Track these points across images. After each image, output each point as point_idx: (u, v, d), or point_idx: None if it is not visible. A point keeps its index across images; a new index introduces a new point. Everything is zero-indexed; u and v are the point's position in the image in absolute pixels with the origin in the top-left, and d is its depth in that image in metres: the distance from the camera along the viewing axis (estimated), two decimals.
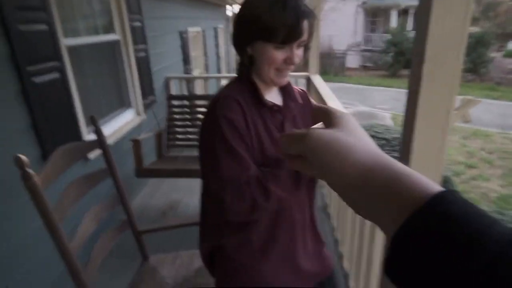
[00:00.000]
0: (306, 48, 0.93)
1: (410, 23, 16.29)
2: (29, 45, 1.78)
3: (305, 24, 0.85)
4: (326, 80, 3.60)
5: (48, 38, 1.93)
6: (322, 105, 0.37)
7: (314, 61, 3.71)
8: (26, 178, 1.05)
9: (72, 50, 2.22)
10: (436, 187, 0.24)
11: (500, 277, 0.19)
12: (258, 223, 0.95)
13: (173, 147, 3.22)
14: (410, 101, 0.97)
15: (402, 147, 1.01)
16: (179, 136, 3.26)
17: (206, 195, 0.97)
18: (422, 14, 0.88)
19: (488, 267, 0.19)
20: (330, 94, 2.79)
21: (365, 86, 12.96)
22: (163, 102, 3.78)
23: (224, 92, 0.93)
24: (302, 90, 1.11)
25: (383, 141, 3.88)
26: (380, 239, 1.37)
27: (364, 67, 16.46)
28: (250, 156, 0.89)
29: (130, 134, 2.92)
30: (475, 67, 12.60)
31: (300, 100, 1.06)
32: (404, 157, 0.97)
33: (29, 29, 1.78)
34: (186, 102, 3.70)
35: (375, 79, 14.14)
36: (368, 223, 1.49)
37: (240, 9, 0.91)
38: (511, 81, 12.48)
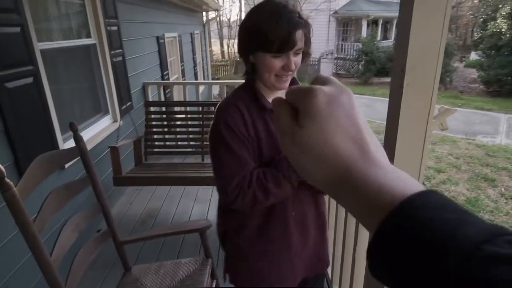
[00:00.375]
0: (305, 54, 1.00)
1: (379, 33, 16.96)
2: (1, 49, 1.70)
3: (298, 34, 0.92)
4: None
5: (21, 41, 1.85)
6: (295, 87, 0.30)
7: None
8: (4, 188, 1.00)
9: (46, 54, 2.14)
10: (409, 188, 0.24)
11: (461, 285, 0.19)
12: (255, 212, 1.06)
13: (152, 154, 3.16)
14: (392, 110, 1.01)
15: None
16: (158, 143, 3.21)
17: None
18: (402, 27, 0.94)
19: (449, 277, 0.19)
20: None
21: None
22: (140, 108, 3.71)
23: (227, 99, 1.04)
24: None
25: None
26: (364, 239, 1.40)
27: (337, 75, 16.90)
28: (250, 157, 0.99)
29: (107, 141, 2.84)
30: (440, 76, 13.30)
31: None
32: None
33: (1, 31, 1.71)
34: (163, 109, 3.66)
35: (348, 86, 14.31)
36: (350, 227, 1.53)
37: (243, 20, 0.99)
38: (473, 89, 13.26)
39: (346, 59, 16.74)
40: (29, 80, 1.91)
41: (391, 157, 1.02)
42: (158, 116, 3.28)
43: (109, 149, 2.56)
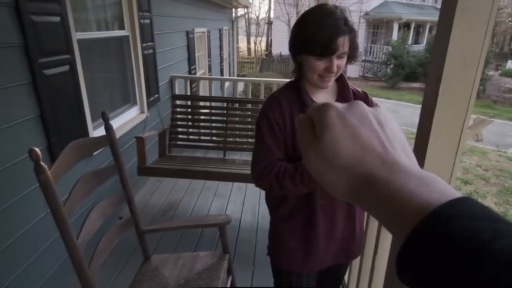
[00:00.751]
0: (351, 57, 1.06)
1: (411, 37, 16.47)
2: (42, 37, 1.77)
3: (341, 40, 0.98)
4: None
5: (61, 30, 1.92)
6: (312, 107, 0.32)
7: None
8: (39, 171, 1.05)
9: (82, 44, 2.22)
10: (435, 195, 0.23)
11: None
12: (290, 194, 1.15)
13: (175, 147, 3.22)
14: (424, 118, 0.99)
15: None
16: (182, 136, 3.27)
17: None
18: (442, 32, 0.91)
19: None
20: None
21: None
22: (166, 101, 3.78)
23: (272, 94, 1.16)
24: (364, 92, 1.21)
25: None
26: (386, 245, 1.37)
27: (364, 77, 16.58)
28: (278, 147, 1.10)
29: (133, 131, 2.92)
30: None
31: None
32: None
33: (43, 20, 1.78)
34: (189, 103, 3.71)
35: (374, 89, 14.25)
36: (371, 232, 1.50)
37: (296, 21, 1.07)
38: (508, 100, 12.66)
39: (374, 62, 16.38)
40: (66, 68, 1.99)
41: (420, 167, 0.99)
42: (184, 109, 3.33)
43: (135, 139, 2.63)
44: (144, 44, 3.14)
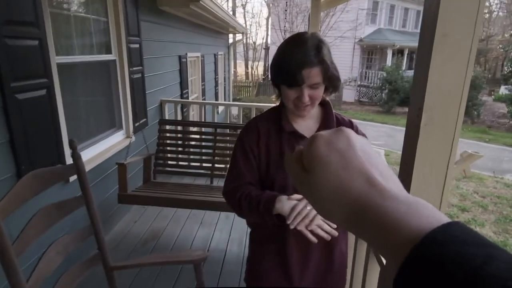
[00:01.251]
0: (329, 88, 1.05)
1: (404, 63, 16.77)
2: (16, 60, 1.71)
3: (307, 72, 0.96)
4: None
5: (38, 54, 1.87)
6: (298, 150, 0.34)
7: None
8: None
9: (63, 68, 2.16)
10: (424, 220, 0.24)
11: None
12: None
13: (161, 173, 3.12)
14: (407, 153, 0.90)
15: None
16: (169, 162, 3.17)
17: None
18: (420, 63, 0.84)
19: None
20: None
21: (360, 121, 13.10)
22: (155, 125, 3.71)
23: (253, 118, 1.20)
24: (350, 120, 1.17)
25: None
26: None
27: (360, 102, 16.72)
28: (249, 171, 1.12)
29: (117, 156, 2.82)
30: (467, 109, 12.91)
31: None
32: None
33: (18, 44, 1.72)
34: (178, 128, 3.64)
35: (370, 114, 14.33)
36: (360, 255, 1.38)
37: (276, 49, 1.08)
38: (502, 125, 12.71)
39: (370, 87, 16.58)
40: (42, 92, 1.91)
41: None
42: (170, 134, 3.25)
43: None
44: (132, 68, 3.10)
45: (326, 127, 1.11)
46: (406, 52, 17.01)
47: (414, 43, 16.89)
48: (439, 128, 0.84)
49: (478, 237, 0.22)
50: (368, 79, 16.93)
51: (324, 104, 1.15)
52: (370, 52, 17.62)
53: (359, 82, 17.14)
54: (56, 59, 2.04)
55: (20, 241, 1.10)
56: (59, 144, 2.07)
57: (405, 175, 0.89)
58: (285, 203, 0.98)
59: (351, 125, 1.15)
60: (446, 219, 0.24)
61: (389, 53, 16.49)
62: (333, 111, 1.15)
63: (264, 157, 1.11)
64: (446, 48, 0.78)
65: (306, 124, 1.13)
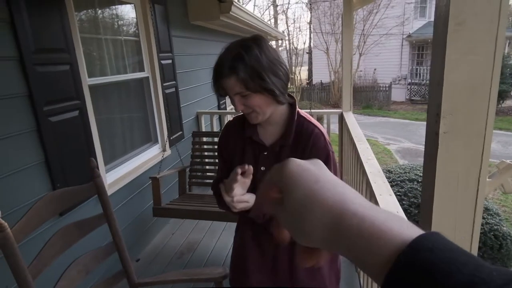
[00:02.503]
0: (267, 93, 0.99)
1: None
2: (48, 85, 1.82)
3: (224, 83, 0.99)
4: (370, 114, 3.40)
5: (69, 78, 1.97)
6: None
7: (347, 98, 3.53)
8: None
9: (95, 88, 2.27)
10: (413, 229, 0.24)
11: None
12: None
13: (196, 185, 3.14)
14: (427, 168, 0.76)
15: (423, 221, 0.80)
16: (203, 174, 3.19)
17: None
18: (436, 55, 0.70)
19: None
20: (360, 136, 2.57)
21: (411, 121, 12.27)
22: (191, 137, 3.77)
23: (229, 121, 1.28)
24: (313, 129, 1.11)
25: None
26: None
27: (411, 101, 15.72)
28: (223, 166, 1.24)
29: (154, 170, 2.90)
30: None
31: (302, 144, 1.10)
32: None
33: (49, 70, 1.83)
34: (215, 139, 3.66)
35: (423, 113, 13.39)
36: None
37: None
38: None
39: (422, 84, 15.54)
40: (75, 113, 2.02)
41: (427, 228, 0.75)
42: (205, 146, 3.27)
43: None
44: (165, 84, 3.18)
45: (286, 134, 1.11)
46: None
47: None
48: (463, 136, 0.70)
49: (460, 247, 0.22)
50: (420, 76, 15.89)
51: (291, 109, 1.13)
52: (421, 47, 16.54)
53: (409, 80, 16.15)
54: (88, 81, 2.15)
55: (38, 261, 1.13)
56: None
57: (427, 194, 0.75)
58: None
59: (311, 134, 1.09)
60: (422, 230, 0.24)
61: None
62: (301, 114, 1.14)
63: (236, 157, 1.19)
64: (463, 39, 0.65)
65: (269, 129, 1.15)
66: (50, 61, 1.84)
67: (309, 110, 3.48)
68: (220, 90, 1.02)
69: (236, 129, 1.19)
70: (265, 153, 1.14)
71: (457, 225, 0.73)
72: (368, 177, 1.75)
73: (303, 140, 1.10)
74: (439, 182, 0.72)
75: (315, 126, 1.11)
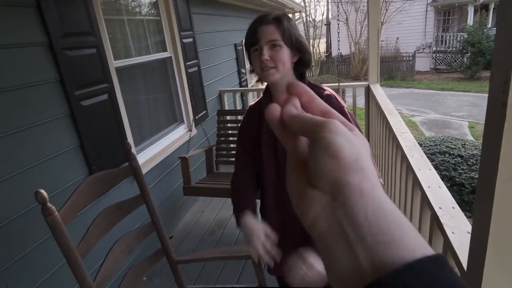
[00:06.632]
0: (298, 53, 1.08)
1: (490, 19, 14.52)
2: (77, 70, 1.83)
3: (263, 29, 1.04)
4: (392, 86, 3.28)
5: (97, 61, 1.97)
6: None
7: (374, 69, 3.39)
8: (46, 213, 1.01)
9: (122, 71, 2.27)
10: (395, 259, 0.20)
11: None
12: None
13: (223, 164, 3.16)
14: (487, 147, 0.70)
15: (479, 194, 0.74)
16: (228, 152, 3.20)
17: None
18: (505, 10, 0.63)
19: None
20: (391, 108, 2.48)
21: (437, 91, 11.80)
22: (215, 116, 3.77)
23: (250, 105, 1.30)
24: (328, 94, 1.14)
25: (457, 159, 3.35)
26: None
27: (436, 70, 15.04)
28: (243, 152, 1.27)
29: (181, 149, 2.93)
30: None
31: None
32: (483, 203, 0.70)
33: (78, 54, 1.83)
34: (238, 117, 3.63)
35: (449, 83, 12.81)
36: None
37: None
38: None
39: (448, 52, 14.78)
40: (104, 97, 2.03)
41: (489, 200, 0.70)
42: (230, 124, 3.26)
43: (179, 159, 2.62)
44: (188, 63, 3.15)
45: None
46: (491, 6, 14.70)
47: None
48: None
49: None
50: (445, 44, 15.09)
51: (302, 78, 1.17)
52: (446, 12, 15.61)
53: (434, 48, 15.38)
54: (114, 64, 2.15)
55: (85, 242, 1.17)
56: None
57: (485, 187, 0.68)
58: (245, 231, 1.14)
59: (321, 96, 1.10)
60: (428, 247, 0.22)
61: (471, 11, 14.43)
62: (310, 82, 1.18)
63: (254, 139, 1.22)
64: None
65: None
66: (77, 45, 1.84)
67: (337, 84, 3.39)
68: (253, 37, 1.05)
69: (256, 112, 1.24)
70: None
71: None
72: (403, 151, 1.70)
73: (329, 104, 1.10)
74: (505, 161, 0.66)
75: (325, 90, 1.16)
